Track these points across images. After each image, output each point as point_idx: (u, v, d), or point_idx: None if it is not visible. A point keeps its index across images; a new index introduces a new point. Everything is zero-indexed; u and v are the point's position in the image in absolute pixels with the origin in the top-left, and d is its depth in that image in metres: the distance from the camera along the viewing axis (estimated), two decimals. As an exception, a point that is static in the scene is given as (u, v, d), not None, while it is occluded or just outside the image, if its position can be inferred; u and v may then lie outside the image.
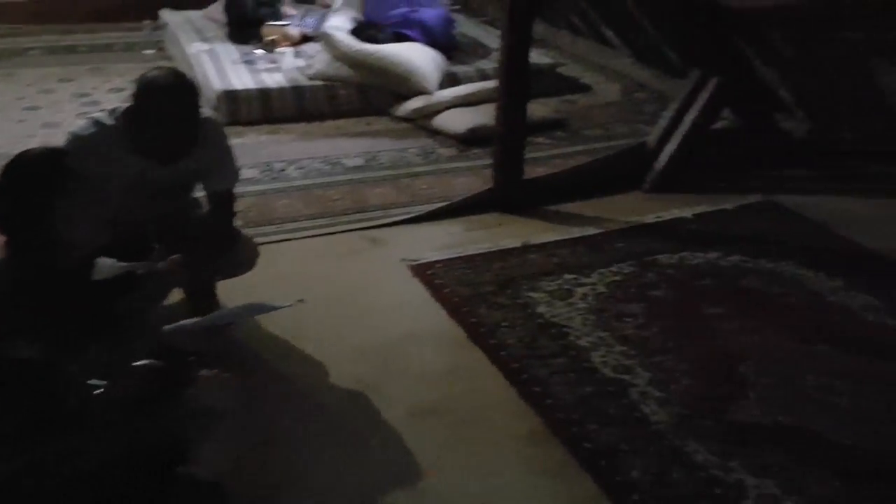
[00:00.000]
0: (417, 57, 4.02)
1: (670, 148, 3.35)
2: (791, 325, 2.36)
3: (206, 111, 2.20)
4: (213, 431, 1.66)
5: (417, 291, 2.56)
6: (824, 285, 2.56)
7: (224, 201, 2.16)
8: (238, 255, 2.14)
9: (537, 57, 4.26)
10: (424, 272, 2.66)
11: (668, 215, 3.07)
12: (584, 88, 4.46)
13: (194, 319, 1.71)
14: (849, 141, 3.37)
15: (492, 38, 4.47)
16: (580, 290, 2.57)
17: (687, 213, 3.08)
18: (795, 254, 2.73)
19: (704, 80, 3.36)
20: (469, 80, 4.12)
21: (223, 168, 2.15)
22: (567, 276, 2.64)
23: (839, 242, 2.84)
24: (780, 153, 3.43)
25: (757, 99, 3.51)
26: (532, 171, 3.24)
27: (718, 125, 3.51)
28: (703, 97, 3.36)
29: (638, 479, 1.82)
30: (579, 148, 3.72)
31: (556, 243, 2.87)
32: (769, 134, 3.50)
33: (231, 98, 3.86)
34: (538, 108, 3.83)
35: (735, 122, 3.55)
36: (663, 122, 3.45)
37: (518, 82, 3.07)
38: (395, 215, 3.02)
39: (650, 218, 3.05)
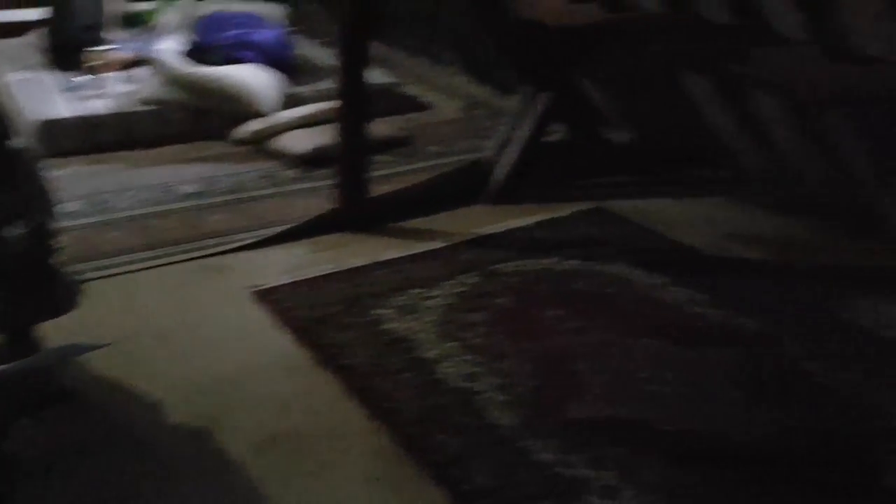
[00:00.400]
0: (253, 78, 3.96)
1: (507, 161, 3.48)
2: (622, 322, 2.51)
3: (20, 142, 2.05)
4: (29, 485, 1.54)
5: (261, 318, 2.51)
6: (650, 282, 2.74)
7: (40, 237, 2.02)
8: (57, 294, 2.01)
9: (378, 76, 4.31)
10: (268, 298, 2.61)
11: (508, 225, 3.18)
12: (425, 106, 4.55)
13: (6, 365, 1.58)
14: (665, 148, 3.64)
15: (331, 59, 4.46)
16: (427, 304, 2.61)
17: (525, 222, 3.21)
18: (624, 255, 2.91)
19: (536, 96, 3.53)
20: (310, 100, 4.09)
21: (38, 203, 2.01)
22: (414, 291, 2.68)
23: (662, 242, 3.05)
24: (607, 162, 3.65)
25: (583, 112, 3.72)
26: (378, 190, 3.26)
27: (551, 138, 3.68)
28: (534, 112, 3.52)
29: (485, 485, 1.87)
30: (423, 165, 3.78)
31: (403, 259, 2.90)
32: (596, 144, 3.72)
33: (50, 128, 3.62)
34: (381, 127, 3.86)
35: (566, 135, 3.74)
36: (500, 137, 3.58)
37: (357, 102, 3.10)
38: (236, 241, 2.94)
39: (492, 229, 3.16)
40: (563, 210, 3.30)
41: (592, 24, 3.10)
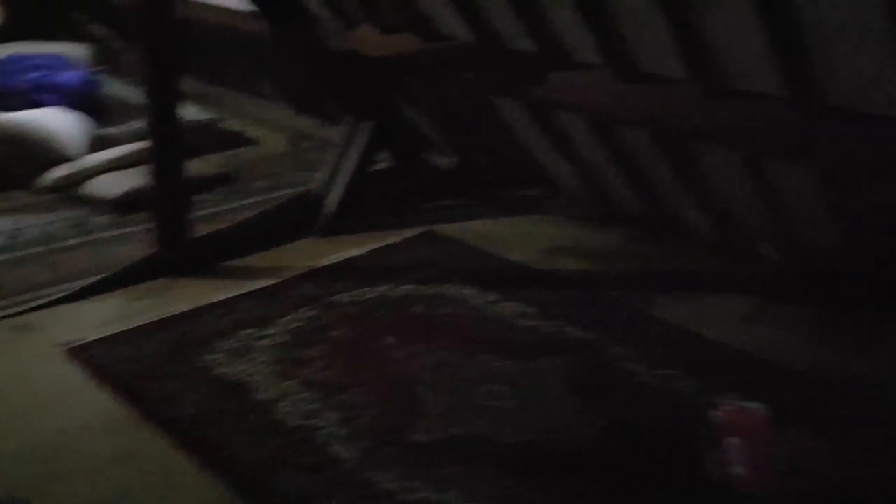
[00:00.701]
0: (56, 122, 3.71)
1: (337, 192, 3.47)
2: (458, 342, 2.55)
3: None
4: None
5: (77, 377, 2.32)
6: (483, 300, 2.81)
7: None
8: None
9: (195, 113, 4.17)
10: (84, 355, 2.42)
11: (341, 256, 3.16)
12: (249, 142, 4.45)
13: None
14: (488, 170, 3.77)
15: (143, 97, 4.26)
16: (260, 344, 2.53)
17: (359, 251, 3.20)
18: (456, 275, 2.96)
19: (359, 126, 3.55)
20: (121, 142, 3.88)
21: None
22: (246, 332, 2.59)
23: (491, 260, 3.14)
24: (434, 187, 3.73)
25: (408, 139, 3.78)
26: (203, 230, 3.14)
27: (379, 166, 3.71)
28: (360, 141, 3.54)
29: (330, 523, 1.82)
30: (250, 201, 3.68)
31: (232, 300, 2.80)
32: (422, 170, 3.79)
33: None
34: (202, 165, 3.74)
35: (393, 162, 3.78)
36: (327, 168, 3.56)
37: (170, 140, 2.97)
38: (45, 297, 2.72)
39: (325, 261, 3.12)
40: (396, 236, 3.33)
41: (407, 54, 3.16)
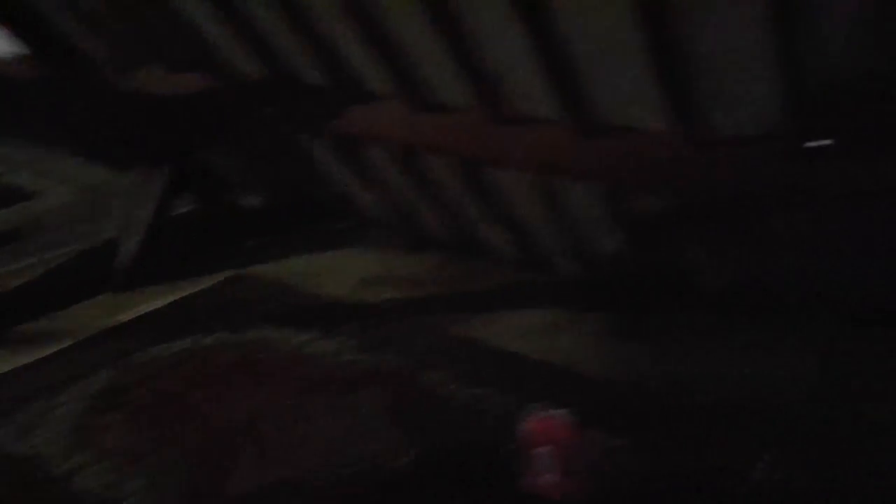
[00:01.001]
0: None
1: (132, 242, 3.25)
2: (274, 387, 2.46)
3: None
4: None
5: None
6: (299, 340, 2.73)
7: None
8: None
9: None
10: None
11: (141, 310, 2.97)
12: (28, 196, 4.08)
13: None
14: (297, 206, 3.70)
15: None
16: (53, 414, 2.31)
17: (161, 303, 3.02)
18: (270, 318, 2.86)
19: (154, 170, 3.36)
20: None
21: None
22: (34, 404, 2.35)
23: (306, 298, 3.07)
24: (242, 227, 3.60)
25: (209, 180, 3.62)
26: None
27: (183, 210, 3.52)
28: (155, 187, 3.35)
29: None
30: (32, 260, 3.35)
31: (16, 371, 2.54)
32: (228, 211, 3.64)
33: None
34: (-28, 225, 3.38)
35: (196, 206, 3.61)
36: (121, 218, 3.34)
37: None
38: None
39: (123, 317, 2.92)
40: (202, 283, 3.17)
41: (197, 93, 3.04)
